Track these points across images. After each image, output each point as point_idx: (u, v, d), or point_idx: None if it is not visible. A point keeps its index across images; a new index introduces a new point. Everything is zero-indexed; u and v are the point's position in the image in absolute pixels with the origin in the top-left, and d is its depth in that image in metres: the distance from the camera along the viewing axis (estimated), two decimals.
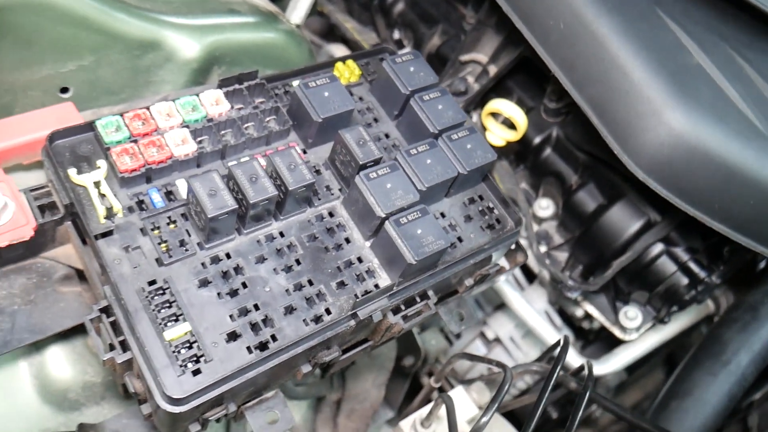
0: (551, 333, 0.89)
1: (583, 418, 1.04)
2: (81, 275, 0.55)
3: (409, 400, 0.90)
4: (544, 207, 0.87)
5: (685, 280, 0.76)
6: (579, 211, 0.83)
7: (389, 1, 1.03)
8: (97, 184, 0.50)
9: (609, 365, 0.86)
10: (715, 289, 0.88)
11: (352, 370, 0.77)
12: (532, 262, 0.91)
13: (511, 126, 0.81)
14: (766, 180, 0.62)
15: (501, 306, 0.98)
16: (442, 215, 0.58)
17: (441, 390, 0.71)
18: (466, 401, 0.67)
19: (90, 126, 0.52)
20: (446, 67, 0.89)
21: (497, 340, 0.97)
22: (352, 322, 0.51)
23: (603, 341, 0.98)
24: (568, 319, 0.96)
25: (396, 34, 1.03)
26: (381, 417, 0.92)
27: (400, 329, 0.55)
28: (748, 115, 0.64)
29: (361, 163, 0.53)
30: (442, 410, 0.62)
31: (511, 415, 0.81)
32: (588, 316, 0.88)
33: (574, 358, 0.86)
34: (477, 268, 0.60)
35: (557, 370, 0.58)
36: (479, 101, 0.88)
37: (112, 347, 0.47)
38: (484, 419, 0.55)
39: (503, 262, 0.67)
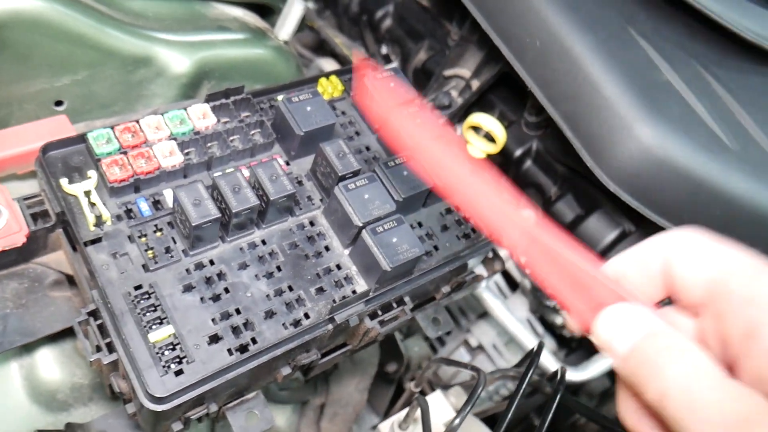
0: (532, 340, 0.91)
1: (568, 426, 1.06)
2: (71, 280, 0.57)
3: (393, 406, 0.92)
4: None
5: None
6: (558, 221, 0.85)
7: (377, 18, 1.06)
8: (87, 194, 0.53)
9: (588, 372, 0.88)
10: None
11: (335, 375, 0.79)
12: (514, 272, 0.94)
13: (492, 140, 0.84)
14: (731, 192, 0.65)
15: (484, 314, 1.00)
16: (419, 224, 0.61)
17: (422, 394, 0.73)
18: (443, 405, 0.69)
19: (82, 138, 0.54)
20: (431, 81, 0.92)
21: (480, 347, 0.99)
22: (330, 326, 0.53)
23: (585, 349, 1.00)
24: (550, 328, 0.99)
25: (384, 49, 1.05)
26: (366, 423, 0.94)
27: (377, 334, 0.57)
28: (715, 130, 0.67)
29: (340, 174, 0.56)
30: (419, 412, 0.64)
31: (493, 420, 0.83)
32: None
33: (554, 366, 0.88)
34: (453, 275, 0.62)
35: (531, 372, 0.60)
36: (462, 114, 0.91)
37: (98, 349, 0.49)
38: (457, 421, 0.57)
39: (481, 270, 0.69)
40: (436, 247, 0.60)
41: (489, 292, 0.92)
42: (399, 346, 0.85)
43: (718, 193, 0.65)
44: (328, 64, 1.10)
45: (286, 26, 0.81)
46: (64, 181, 0.53)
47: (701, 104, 0.69)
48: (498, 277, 0.99)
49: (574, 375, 0.88)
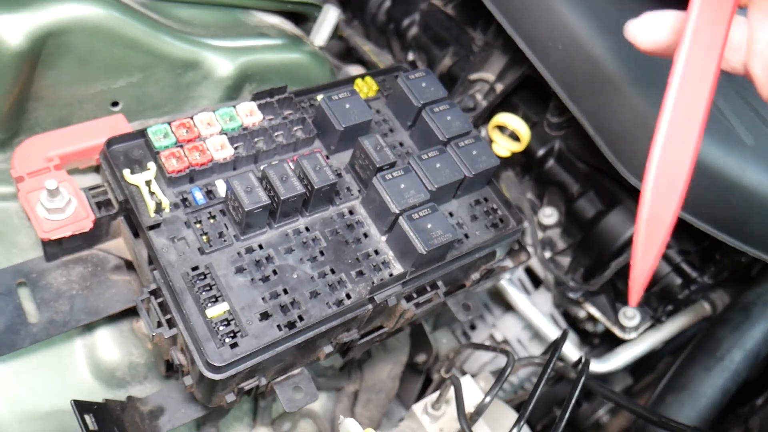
0: (556, 333, 0.94)
1: (591, 425, 1.09)
2: (129, 265, 0.62)
3: (422, 397, 0.95)
4: (548, 215, 0.93)
5: (678, 280, 0.82)
6: (580, 217, 0.89)
7: (404, 26, 1.11)
8: (147, 183, 0.57)
9: (610, 363, 0.91)
10: (712, 293, 0.93)
11: (368, 363, 0.83)
12: (538, 267, 0.97)
13: (516, 138, 0.88)
14: (747, 184, 0.68)
15: (509, 309, 1.04)
16: (450, 215, 0.65)
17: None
18: (473, 389, 0.73)
19: (142, 133, 0.59)
20: (456, 85, 0.96)
21: (506, 341, 1.02)
22: (370, 306, 0.57)
23: (607, 344, 1.03)
24: (573, 323, 1.02)
25: (410, 56, 1.10)
26: (396, 415, 0.98)
27: (412, 315, 0.61)
28: (732, 126, 0.70)
29: (378, 166, 0.60)
30: (451, 393, 0.68)
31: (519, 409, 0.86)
32: (591, 318, 0.94)
33: (576, 356, 0.91)
34: (482, 262, 0.66)
35: (556, 355, 0.63)
36: (487, 116, 0.95)
37: (159, 324, 0.54)
38: (488, 399, 0.60)
39: (507, 262, 0.73)
40: (466, 236, 0.64)
41: (514, 288, 0.96)
42: (428, 337, 0.88)
43: (735, 186, 0.68)
44: (356, 71, 1.15)
45: (321, 32, 0.86)
46: (126, 172, 0.57)
47: (718, 100, 0.72)
48: (522, 274, 1.02)
49: (597, 366, 0.91)
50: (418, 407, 0.70)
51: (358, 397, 0.82)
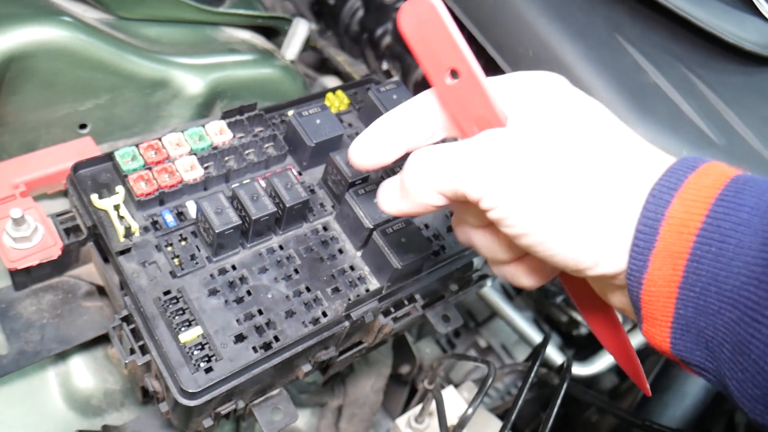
0: (540, 338, 0.94)
1: (581, 422, 1.09)
2: (101, 291, 0.61)
3: (407, 408, 0.95)
4: None
5: None
6: None
7: (377, 35, 1.11)
8: (116, 208, 0.56)
9: (594, 366, 0.91)
10: None
11: (351, 377, 0.83)
12: None
13: None
14: None
15: (492, 316, 1.04)
16: (426, 226, 0.64)
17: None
18: (457, 399, 0.72)
19: (109, 156, 0.58)
20: None
21: (490, 348, 1.02)
22: (347, 323, 0.56)
23: (592, 347, 1.03)
24: (556, 326, 1.02)
25: (384, 65, 1.10)
26: (382, 426, 0.97)
27: (390, 330, 0.60)
28: (702, 127, 0.71)
29: (350, 181, 0.60)
30: (434, 406, 0.67)
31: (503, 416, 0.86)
32: (573, 322, 0.94)
33: (561, 360, 0.91)
34: (460, 273, 0.65)
35: (537, 362, 0.63)
36: None
37: (132, 351, 0.53)
38: (470, 410, 0.60)
39: (487, 269, 0.73)
40: (443, 247, 0.64)
41: (496, 294, 0.96)
42: (411, 348, 0.88)
43: None
44: (331, 82, 1.14)
45: (292, 46, 0.85)
46: (94, 197, 0.56)
47: (688, 104, 0.72)
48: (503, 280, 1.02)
49: (581, 370, 0.91)
50: (401, 421, 0.70)
51: (342, 412, 0.81)
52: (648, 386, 0.46)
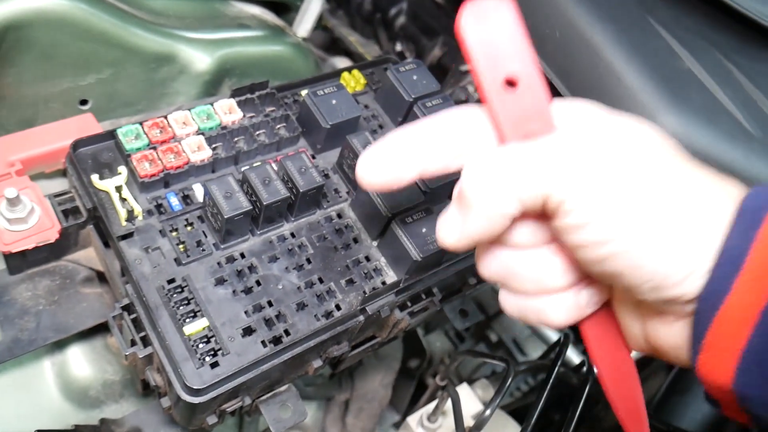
0: (553, 334, 0.91)
1: (593, 417, 1.06)
2: (101, 277, 0.58)
3: (414, 403, 0.92)
4: None
5: None
6: None
7: (391, 15, 1.06)
8: (118, 189, 0.53)
9: None
10: None
11: (359, 371, 0.79)
12: None
13: None
14: (755, 178, 0.65)
15: (502, 311, 1.00)
16: None
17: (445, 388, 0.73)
18: (471, 397, 0.69)
19: (111, 134, 0.55)
20: (447, 77, 0.92)
21: (501, 342, 0.99)
22: (361, 318, 0.53)
23: None
24: None
25: (398, 47, 1.06)
26: (387, 420, 0.94)
27: (406, 325, 0.57)
28: (738, 118, 0.67)
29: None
30: (448, 405, 0.64)
31: (516, 415, 0.83)
32: None
33: (577, 358, 0.88)
34: None
35: (560, 361, 0.60)
36: None
37: (133, 343, 0.49)
38: (488, 412, 0.57)
39: None
40: None
41: None
42: (421, 341, 0.85)
43: (743, 180, 0.65)
44: (342, 63, 1.10)
45: (305, 23, 0.81)
46: (95, 177, 0.53)
47: (723, 92, 0.69)
48: None
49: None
50: (413, 419, 0.67)
51: (350, 407, 0.78)
52: None
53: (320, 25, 1.11)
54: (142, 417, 0.55)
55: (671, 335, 0.35)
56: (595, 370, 0.39)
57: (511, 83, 0.34)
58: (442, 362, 0.90)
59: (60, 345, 0.58)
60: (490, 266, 0.38)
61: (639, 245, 0.31)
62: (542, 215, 0.34)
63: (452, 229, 0.36)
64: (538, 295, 0.37)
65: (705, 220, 0.31)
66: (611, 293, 0.38)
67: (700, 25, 0.74)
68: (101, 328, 0.58)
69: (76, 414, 0.57)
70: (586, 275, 0.36)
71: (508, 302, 0.38)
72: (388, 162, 0.36)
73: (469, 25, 0.33)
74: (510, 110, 0.34)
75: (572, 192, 0.31)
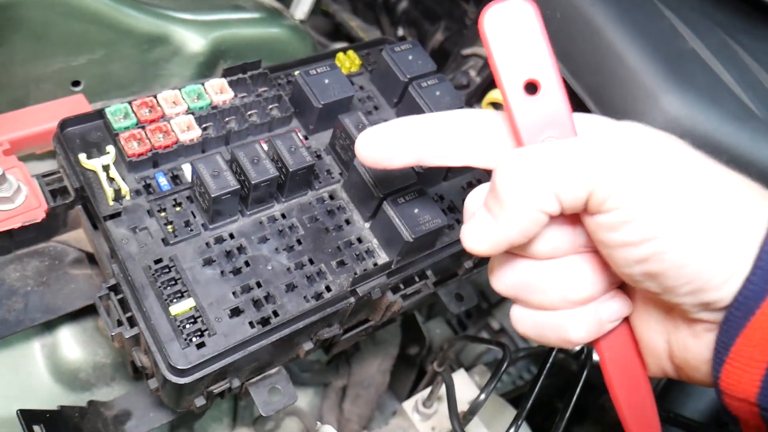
0: None
1: (597, 407, 1.05)
2: (91, 258, 0.57)
3: (415, 390, 0.91)
4: None
5: None
6: None
7: (393, 0, 1.05)
8: (106, 168, 0.52)
9: None
10: None
11: (357, 357, 0.79)
12: None
13: None
14: (762, 160, 0.63)
15: (506, 298, 0.99)
16: (441, 198, 0.60)
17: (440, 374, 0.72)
18: (468, 383, 0.68)
19: (99, 113, 0.54)
20: (449, 61, 0.91)
21: (502, 330, 0.98)
22: (352, 299, 0.52)
23: None
24: None
25: (400, 32, 1.05)
26: (388, 407, 0.93)
27: (399, 308, 0.56)
28: (743, 99, 0.65)
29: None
30: (443, 390, 0.63)
31: (517, 403, 0.82)
32: None
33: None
34: None
35: (555, 348, 0.59)
36: (481, 94, 0.90)
37: (120, 323, 0.49)
38: (483, 396, 0.56)
39: None
40: (458, 221, 0.59)
41: None
42: (421, 328, 0.84)
43: (749, 162, 0.63)
44: None
45: (302, 5, 0.80)
46: (82, 156, 0.52)
47: (728, 73, 0.67)
48: None
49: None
50: (408, 405, 0.66)
51: (347, 393, 0.77)
52: None
53: (322, 10, 1.10)
54: (131, 399, 0.54)
55: (698, 348, 0.34)
56: (610, 390, 0.38)
57: (532, 87, 0.33)
58: (442, 349, 0.89)
59: (50, 327, 0.57)
60: (507, 279, 0.36)
61: (684, 243, 0.30)
62: (574, 218, 0.33)
63: (483, 233, 0.33)
64: (560, 309, 0.35)
65: (745, 222, 0.30)
66: (635, 306, 0.36)
67: (705, 5, 0.72)
68: (93, 311, 0.58)
69: (66, 396, 0.57)
70: (611, 285, 0.35)
71: (524, 320, 0.36)
72: (389, 141, 0.37)
73: (492, 25, 0.33)
74: (529, 114, 0.33)
75: (618, 187, 0.30)
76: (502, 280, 0.36)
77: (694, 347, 0.34)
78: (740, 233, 0.30)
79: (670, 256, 0.30)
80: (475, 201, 0.36)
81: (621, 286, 0.36)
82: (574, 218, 0.33)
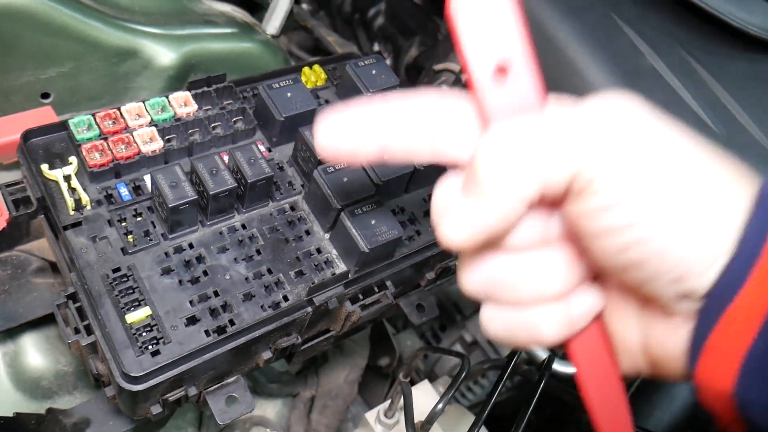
0: None
1: (574, 420, 1.05)
2: (54, 267, 0.58)
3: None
4: None
5: None
6: None
7: (370, 16, 1.07)
8: (67, 178, 0.53)
9: None
10: None
11: (325, 368, 0.79)
12: None
13: None
14: None
15: (479, 310, 1.00)
16: (402, 210, 0.61)
17: (411, 383, 0.73)
18: (431, 394, 0.69)
19: (63, 125, 0.55)
20: (421, 75, 0.92)
21: (476, 342, 0.98)
22: (309, 308, 0.53)
23: None
24: None
25: (376, 47, 1.06)
26: (361, 419, 0.94)
27: (358, 318, 0.57)
28: (701, 115, 0.67)
29: (319, 158, 0.56)
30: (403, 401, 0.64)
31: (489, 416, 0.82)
32: None
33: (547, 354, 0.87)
34: (436, 260, 0.62)
35: (516, 357, 0.60)
36: None
37: (77, 331, 0.49)
38: (440, 406, 0.56)
39: None
40: (418, 232, 0.60)
41: None
42: (391, 339, 0.84)
43: None
44: None
45: (273, 20, 0.81)
46: (44, 167, 0.53)
47: (686, 89, 0.68)
48: None
49: (566, 367, 0.87)
50: (371, 415, 0.66)
51: (315, 404, 0.77)
52: None
53: (301, 25, 1.11)
54: (91, 407, 0.55)
55: (675, 341, 0.32)
56: (582, 391, 0.37)
57: (502, 71, 0.31)
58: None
59: (12, 335, 0.58)
60: (477, 277, 0.33)
61: (668, 229, 0.28)
62: (549, 206, 0.31)
63: (460, 223, 0.31)
64: (532, 305, 0.33)
65: (729, 206, 0.29)
66: (609, 301, 0.34)
67: (666, 23, 0.74)
68: (54, 319, 0.58)
69: (28, 404, 0.57)
70: (585, 278, 0.33)
71: (494, 320, 0.34)
72: (350, 129, 0.32)
73: (460, 5, 0.31)
74: (500, 100, 0.31)
75: (604, 168, 0.28)
76: (472, 279, 0.34)
77: (671, 341, 0.32)
78: (723, 218, 0.29)
79: (651, 242, 0.29)
80: (445, 192, 0.33)
81: (594, 280, 0.35)
82: (548, 206, 0.32)
